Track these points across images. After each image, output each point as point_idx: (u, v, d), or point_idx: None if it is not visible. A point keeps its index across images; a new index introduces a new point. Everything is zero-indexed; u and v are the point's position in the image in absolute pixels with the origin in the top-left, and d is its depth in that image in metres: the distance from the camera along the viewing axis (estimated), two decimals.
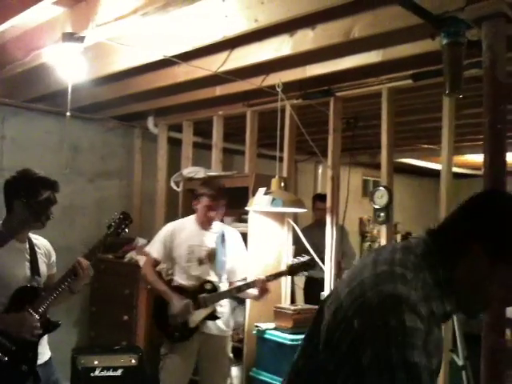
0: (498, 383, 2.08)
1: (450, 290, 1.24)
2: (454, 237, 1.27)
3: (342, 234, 5.18)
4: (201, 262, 3.35)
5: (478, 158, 5.97)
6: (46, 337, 2.54)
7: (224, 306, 3.38)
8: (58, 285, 2.47)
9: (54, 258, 2.65)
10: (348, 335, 1.20)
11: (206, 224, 3.40)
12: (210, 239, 3.41)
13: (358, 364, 1.16)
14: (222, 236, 3.42)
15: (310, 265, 3.33)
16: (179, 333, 3.27)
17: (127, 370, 4.00)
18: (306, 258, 3.34)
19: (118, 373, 3.99)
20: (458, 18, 2.34)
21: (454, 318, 3.89)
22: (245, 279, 3.39)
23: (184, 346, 3.29)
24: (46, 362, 2.53)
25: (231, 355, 3.49)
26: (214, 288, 3.29)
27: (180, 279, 3.37)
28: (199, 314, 3.25)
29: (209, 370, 3.39)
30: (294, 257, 4.67)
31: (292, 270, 3.33)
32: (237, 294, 3.36)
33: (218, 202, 3.36)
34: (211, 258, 3.36)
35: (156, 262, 3.45)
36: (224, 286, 3.36)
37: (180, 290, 3.34)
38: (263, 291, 3.27)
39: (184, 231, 3.43)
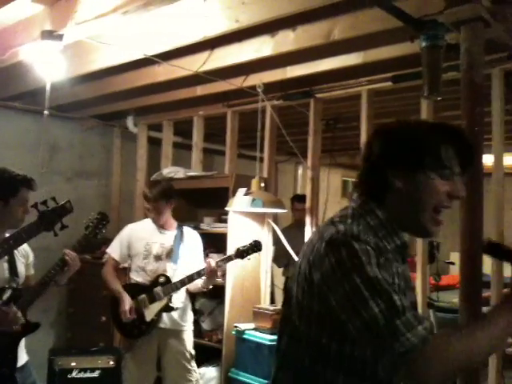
0: (475, 382, 2.11)
1: (393, 223, 1.32)
2: (369, 180, 1.36)
3: None
4: (157, 258, 3.43)
5: None
6: (23, 340, 2.51)
7: (181, 300, 3.42)
8: (44, 282, 2.44)
9: (31, 258, 2.63)
10: (312, 291, 1.26)
11: (158, 223, 3.48)
12: (168, 238, 3.49)
13: (330, 309, 1.22)
14: (181, 235, 3.50)
15: (257, 247, 3.37)
16: (137, 329, 3.32)
17: (105, 371, 3.97)
18: (252, 240, 3.40)
19: (96, 374, 3.95)
20: (437, 22, 2.37)
21: (431, 318, 3.94)
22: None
23: (143, 342, 3.33)
24: (22, 365, 2.50)
25: (192, 351, 3.49)
26: (168, 280, 3.34)
27: (136, 276, 3.43)
28: (154, 308, 3.30)
29: (167, 366, 3.43)
30: (275, 257, 4.70)
31: (240, 253, 3.35)
32: (189, 283, 3.37)
33: (152, 204, 3.45)
34: (169, 254, 3.43)
35: (116, 262, 3.53)
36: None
37: (135, 286, 3.41)
38: (212, 277, 3.32)
39: (142, 231, 3.53)
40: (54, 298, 4.79)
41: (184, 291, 3.46)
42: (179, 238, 3.48)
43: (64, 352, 4.17)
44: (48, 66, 2.98)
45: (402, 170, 1.30)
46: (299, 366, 1.31)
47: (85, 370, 3.94)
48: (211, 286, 3.48)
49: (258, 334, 3.60)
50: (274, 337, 3.50)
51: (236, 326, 3.71)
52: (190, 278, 3.33)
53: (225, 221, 4.03)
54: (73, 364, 3.93)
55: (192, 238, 3.57)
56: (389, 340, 1.13)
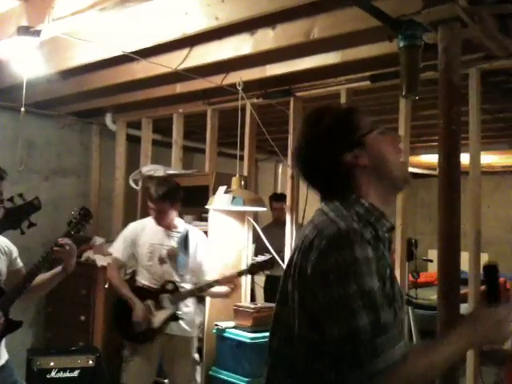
0: (453, 378, 2.14)
1: (377, 206, 1.35)
2: (335, 177, 1.38)
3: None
4: (162, 261, 3.33)
5: (433, 159, 6.13)
6: (3, 340, 2.47)
7: (189, 307, 3.36)
8: (36, 267, 2.39)
9: (15, 254, 2.57)
10: (306, 287, 1.25)
11: (161, 224, 3.37)
12: (171, 239, 3.39)
13: (317, 309, 1.22)
14: (186, 236, 3.40)
15: (272, 263, 3.34)
16: (142, 334, 3.25)
17: (84, 371, 3.94)
18: (267, 256, 3.36)
19: (75, 374, 3.92)
20: (415, 22, 2.39)
21: (410, 315, 3.99)
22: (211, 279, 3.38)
23: (147, 347, 3.26)
24: (2, 365, 2.46)
25: (196, 356, 3.46)
26: (176, 288, 3.27)
27: (142, 279, 3.35)
28: (161, 315, 3.23)
29: (171, 372, 3.38)
30: (255, 255, 4.70)
31: (253, 270, 3.34)
32: (199, 294, 3.35)
33: (160, 205, 3.30)
34: (172, 257, 3.34)
35: (119, 262, 3.42)
36: (188, 287, 3.34)
37: (142, 290, 3.32)
38: (234, 287, 3.31)
39: (146, 230, 3.41)
40: (33, 297, 4.73)
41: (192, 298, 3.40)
42: (183, 240, 3.38)
43: (43, 352, 4.13)
44: (24, 63, 2.95)
45: (354, 148, 1.35)
46: (292, 364, 1.31)
47: (64, 370, 3.90)
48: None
49: (238, 332, 3.60)
50: (255, 335, 3.51)
51: (217, 325, 3.71)
52: (200, 289, 3.29)
53: (205, 219, 4.03)
54: (52, 364, 3.89)
55: (197, 239, 3.46)
56: (367, 356, 1.15)
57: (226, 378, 3.58)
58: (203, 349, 3.79)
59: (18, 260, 2.58)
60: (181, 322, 3.29)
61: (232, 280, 3.28)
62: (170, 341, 3.30)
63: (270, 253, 3.68)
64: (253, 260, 3.40)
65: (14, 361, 2.67)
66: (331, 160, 1.36)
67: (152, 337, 3.24)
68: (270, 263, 3.34)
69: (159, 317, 3.23)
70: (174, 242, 3.37)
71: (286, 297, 1.33)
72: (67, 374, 3.90)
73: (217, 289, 3.30)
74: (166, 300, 3.23)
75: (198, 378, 3.49)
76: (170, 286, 3.27)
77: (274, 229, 4.63)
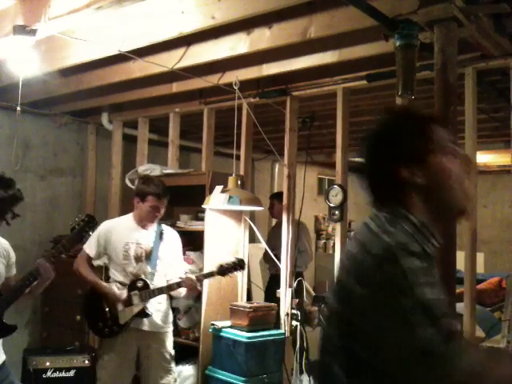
0: None
1: (427, 224, 1.26)
2: (387, 187, 1.32)
3: (301, 230, 5.24)
4: (138, 259, 3.36)
5: None
6: (0, 341, 2.46)
7: (161, 303, 3.38)
8: (17, 289, 2.38)
9: (13, 259, 2.56)
10: (356, 305, 1.20)
11: (146, 223, 3.40)
12: (147, 237, 3.41)
13: (374, 329, 1.16)
14: (160, 234, 3.43)
15: (240, 265, 3.35)
16: (109, 329, 3.28)
17: (80, 370, 3.94)
18: (236, 258, 3.39)
19: (71, 374, 3.92)
20: (411, 21, 2.40)
21: None
22: (180, 278, 3.39)
23: (121, 343, 3.29)
24: None
25: (172, 351, 3.47)
26: (146, 285, 3.29)
27: (116, 276, 3.37)
28: (130, 311, 3.26)
29: (148, 367, 3.39)
30: (264, 255, 4.70)
31: (222, 270, 3.33)
32: (168, 292, 3.36)
33: (163, 202, 3.36)
34: (148, 255, 3.37)
35: (90, 258, 3.45)
36: (160, 284, 3.35)
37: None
38: (193, 290, 3.33)
39: (121, 229, 3.43)
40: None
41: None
42: (158, 238, 3.41)
43: (39, 352, 4.12)
44: (20, 62, 2.93)
45: (415, 165, 1.26)
46: (338, 380, 1.26)
47: (60, 370, 3.90)
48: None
49: (234, 331, 3.60)
50: (251, 334, 3.52)
51: (213, 324, 3.70)
52: (170, 288, 3.30)
53: (201, 218, 4.02)
54: (48, 364, 3.88)
55: (171, 239, 3.51)
56: (439, 366, 1.09)
57: (222, 377, 3.57)
58: (199, 348, 3.79)
59: (13, 267, 2.57)
60: (154, 317, 3.32)
61: (196, 282, 3.28)
62: (144, 337, 3.33)
63: (275, 252, 3.72)
64: (223, 261, 3.39)
65: (10, 361, 2.66)
66: (388, 168, 1.29)
67: (118, 332, 3.27)
68: (239, 265, 3.34)
69: (127, 313, 3.26)
70: (149, 241, 3.40)
71: (331, 315, 1.29)
72: (63, 374, 3.90)
73: (183, 289, 3.33)
74: (136, 297, 3.26)
75: (175, 372, 3.51)
76: (140, 283, 3.28)
77: (280, 230, 4.63)
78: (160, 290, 3.29)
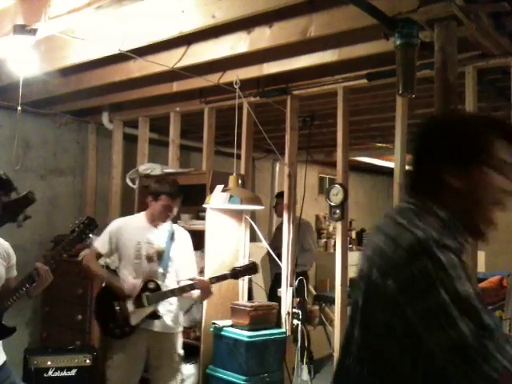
0: None
1: (455, 222, 1.23)
2: (423, 179, 1.29)
3: (305, 228, 5.24)
4: (149, 259, 3.33)
5: None
6: (0, 341, 2.46)
7: (172, 304, 3.37)
8: (15, 291, 2.38)
9: (13, 260, 2.55)
10: (383, 301, 1.17)
11: (158, 222, 3.38)
12: (159, 237, 3.38)
13: (406, 325, 1.12)
14: (172, 234, 3.41)
15: (254, 269, 3.34)
16: (120, 330, 3.26)
17: (81, 370, 3.94)
18: (250, 262, 3.37)
19: (72, 373, 3.92)
20: (411, 20, 2.40)
21: None
22: (191, 279, 3.38)
23: (131, 344, 3.27)
24: (0, 366, 2.45)
25: (181, 352, 3.46)
26: (158, 287, 3.26)
27: (126, 277, 3.33)
28: (141, 313, 3.23)
29: (157, 367, 3.37)
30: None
31: (235, 274, 3.32)
32: (180, 295, 3.34)
33: (176, 201, 3.35)
34: (160, 255, 3.34)
35: (98, 255, 3.42)
36: (171, 284, 3.34)
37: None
38: (206, 293, 3.29)
39: (132, 228, 3.40)
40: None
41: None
42: (170, 238, 3.38)
43: (40, 351, 4.12)
44: (20, 61, 2.93)
45: (457, 167, 1.24)
46: (362, 378, 1.23)
47: (61, 369, 3.90)
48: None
49: (235, 330, 3.60)
50: (252, 333, 3.52)
51: (214, 323, 3.71)
52: (182, 290, 3.27)
53: (202, 218, 4.02)
54: (49, 363, 3.88)
55: (182, 239, 3.46)
56: (478, 361, 1.06)
57: (223, 376, 3.58)
58: (200, 347, 3.79)
59: (14, 269, 2.56)
60: (165, 318, 3.29)
61: (209, 285, 3.26)
62: (155, 337, 3.31)
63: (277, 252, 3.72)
64: (236, 265, 3.39)
65: (12, 360, 2.67)
66: (432, 160, 1.27)
67: (129, 333, 3.24)
68: (253, 268, 3.33)
69: (139, 314, 3.23)
70: (161, 241, 3.37)
71: (356, 310, 1.26)
72: (64, 373, 3.90)
73: (196, 291, 3.30)
74: (147, 298, 3.22)
75: (180, 374, 3.50)
76: (151, 285, 3.25)
77: None
78: (172, 292, 3.27)
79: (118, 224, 3.45)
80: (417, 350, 1.13)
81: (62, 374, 3.89)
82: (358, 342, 1.24)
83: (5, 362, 2.49)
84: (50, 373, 3.87)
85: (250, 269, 3.33)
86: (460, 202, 1.24)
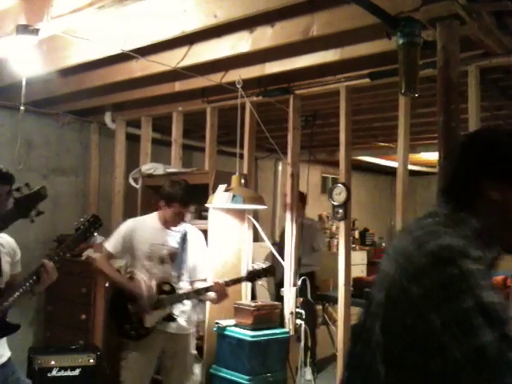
0: None
1: (487, 233, 1.24)
2: (461, 187, 1.29)
3: (315, 228, 5.22)
4: (162, 261, 3.31)
5: (432, 156, 6.13)
6: (4, 338, 2.47)
7: (186, 305, 3.35)
8: (19, 286, 2.38)
9: (18, 256, 2.55)
10: (408, 304, 1.16)
11: (170, 225, 3.35)
12: (172, 238, 3.35)
13: (429, 329, 1.11)
14: (185, 235, 3.38)
15: (270, 272, 3.32)
16: (135, 332, 3.24)
17: (85, 369, 3.94)
18: (266, 264, 3.35)
19: (76, 372, 3.92)
20: (414, 19, 2.39)
21: None
22: (205, 280, 3.37)
23: (146, 344, 3.25)
24: (4, 362, 2.46)
25: (195, 352, 3.46)
26: (172, 289, 3.25)
27: (142, 277, 3.30)
28: (156, 315, 3.21)
29: (172, 368, 3.37)
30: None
31: (251, 277, 3.32)
32: (196, 298, 3.33)
33: (189, 208, 3.33)
34: (173, 257, 3.32)
35: (109, 254, 3.39)
36: (184, 286, 3.33)
37: None
38: (222, 296, 3.28)
39: (146, 229, 3.37)
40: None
41: None
42: (183, 239, 3.36)
43: (43, 351, 4.12)
44: (23, 61, 2.94)
45: (501, 182, 1.24)
46: (378, 376, 1.21)
47: (65, 369, 3.90)
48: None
49: (239, 330, 3.60)
50: (255, 333, 3.52)
51: (217, 323, 3.71)
52: (197, 293, 3.26)
53: (205, 217, 4.02)
54: (53, 362, 3.88)
55: (196, 240, 3.44)
56: (499, 372, 1.05)
57: (226, 375, 3.58)
58: (204, 347, 3.79)
59: (19, 264, 2.56)
60: (179, 320, 3.28)
61: (224, 287, 3.25)
62: (170, 339, 3.29)
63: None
64: (252, 267, 3.37)
65: (16, 360, 2.67)
66: (473, 172, 1.27)
67: (145, 335, 3.23)
68: (269, 271, 3.31)
69: (154, 316, 3.21)
70: (174, 242, 3.35)
71: (371, 306, 1.26)
72: (68, 373, 3.90)
73: (211, 293, 3.29)
74: (163, 301, 3.20)
75: (198, 373, 3.49)
76: (166, 287, 3.24)
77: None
78: (187, 295, 3.26)
79: (131, 224, 3.42)
80: (438, 355, 1.12)
81: (65, 373, 3.89)
82: (379, 340, 1.23)
83: (9, 359, 2.50)
84: (54, 372, 3.87)
85: (266, 271, 3.29)
86: (496, 215, 1.25)
